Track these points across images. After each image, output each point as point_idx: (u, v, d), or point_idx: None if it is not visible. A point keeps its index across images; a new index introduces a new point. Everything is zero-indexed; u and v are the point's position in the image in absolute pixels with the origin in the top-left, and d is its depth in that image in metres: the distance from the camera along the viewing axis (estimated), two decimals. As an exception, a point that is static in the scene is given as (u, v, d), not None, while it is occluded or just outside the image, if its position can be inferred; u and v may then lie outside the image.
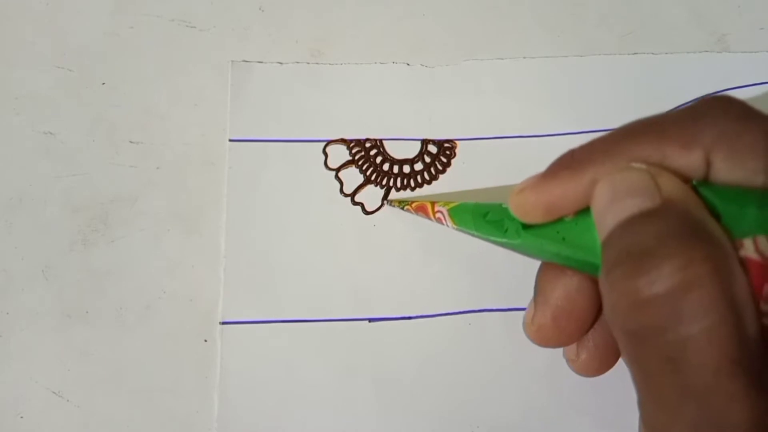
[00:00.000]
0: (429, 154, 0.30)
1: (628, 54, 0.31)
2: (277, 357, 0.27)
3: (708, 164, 0.17)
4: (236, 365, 0.27)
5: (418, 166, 0.30)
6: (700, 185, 0.17)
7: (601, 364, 0.22)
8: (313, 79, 0.31)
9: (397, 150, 0.30)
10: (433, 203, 0.27)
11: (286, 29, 0.32)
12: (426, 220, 0.29)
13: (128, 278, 0.28)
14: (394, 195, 0.29)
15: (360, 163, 0.30)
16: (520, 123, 0.30)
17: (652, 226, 0.16)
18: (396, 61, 0.31)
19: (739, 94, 0.30)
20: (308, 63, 0.31)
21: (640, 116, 0.30)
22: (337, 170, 0.30)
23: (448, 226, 0.25)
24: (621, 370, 0.27)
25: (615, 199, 0.17)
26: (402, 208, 0.28)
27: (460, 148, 0.30)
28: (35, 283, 0.28)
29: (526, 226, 0.20)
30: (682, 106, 0.18)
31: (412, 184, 0.29)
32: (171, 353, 0.27)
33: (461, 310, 0.28)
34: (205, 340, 0.28)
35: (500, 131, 0.30)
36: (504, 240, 0.22)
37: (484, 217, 0.23)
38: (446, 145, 0.30)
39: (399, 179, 0.30)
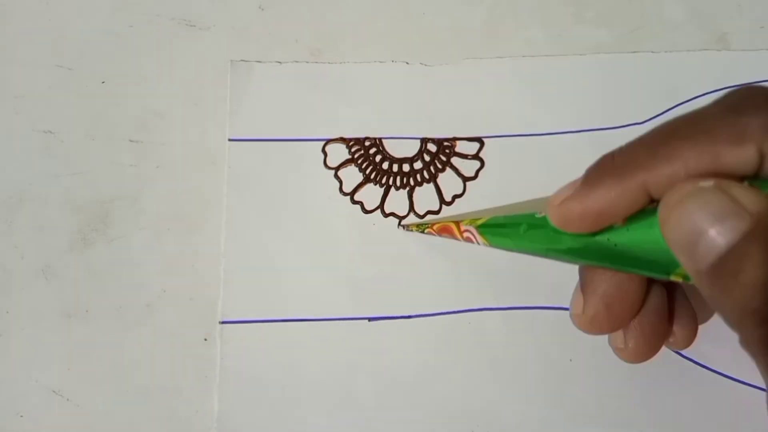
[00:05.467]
0: (428, 152, 0.30)
1: (628, 52, 0.31)
2: (277, 356, 0.27)
3: (762, 157, 0.16)
4: (236, 364, 0.27)
5: (418, 165, 0.30)
6: (753, 182, 0.16)
7: (649, 350, 0.22)
8: (313, 78, 0.31)
9: (397, 149, 0.30)
10: (457, 223, 0.26)
11: (285, 28, 0.32)
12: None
13: (128, 277, 0.28)
14: (406, 220, 0.29)
15: (359, 161, 0.30)
16: (520, 122, 0.30)
17: (759, 251, 0.15)
18: (395, 59, 0.31)
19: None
20: (308, 62, 0.31)
21: (640, 115, 0.30)
22: (337, 169, 0.30)
23: (479, 244, 0.24)
24: (619, 370, 0.27)
25: (701, 231, 0.16)
26: (422, 232, 0.28)
27: (460, 146, 0.30)
28: (35, 282, 0.28)
29: (570, 236, 0.20)
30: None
31: (412, 182, 0.29)
32: (171, 352, 0.27)
33: (461, 309, 0.28)
34: (205, 339, 0.28)
35: (500, 130, 0.30)
36: (548, 251, 0.21)
37: (519, 229, 0.22)
38: (446, 143, 0.30)
39: (398, 178, 0.30)
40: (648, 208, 0.18)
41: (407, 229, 0.28)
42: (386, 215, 0.29)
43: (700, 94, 0.30)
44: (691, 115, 0.18)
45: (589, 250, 0.19)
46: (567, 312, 0.28)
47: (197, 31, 0.31)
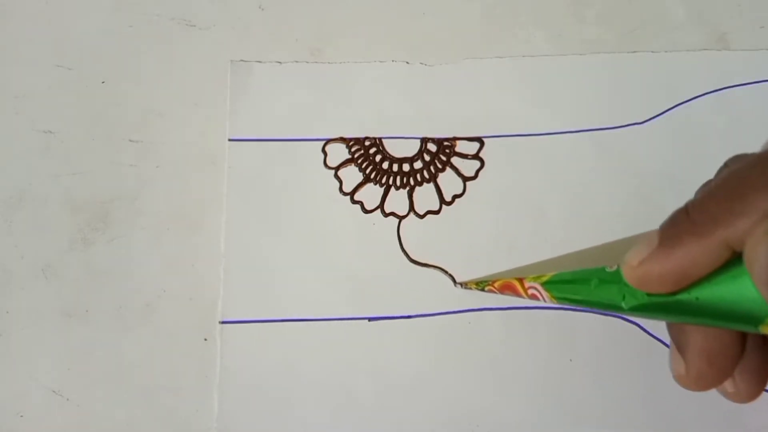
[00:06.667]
0: (428, 152, 0.30)
1: (628, 52, 0.31)
2: (277, 356, 0.27)
3: None
4: (236, 364, 0.27)
5: (418, 165, 0.30)
6: None
7: (759, 387, 0.21)
8: (313, 78, 0.31)
9: (397, 148, 0.30)
10: (521, 280, 0.25)
11: (285, 28, 0.32)
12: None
13: (128, 277, 0.28)
14: (463, 278, 0.28)
15: (359, 161, 0.30)
16: (520, 121, 0.30)
17: None
18: (395, 59, 0.31)
19: (740, 93, 0.31)
20: (308, 62, 0.31)
21: (640, 115, 0.30)
22: (337, 169, 0.30)
23: (545, 301, 0.23)
24: (619, 370, 0.27)
25: None
26: (482, 290, 0.27)
27: (460, 146, 0.30)
28: (35, 281, 0.28)
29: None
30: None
31: (412, 182, 0.29)
32: (171, 352, 0.27)
33: (461, 309, 0.28)
34: (205, 339, 0.28)
35: (500, 130, 0.30)
36: (622, 308, 0.20)
37: (589, 285, 0.21)
38: (446, 143, 0.30)
39: (398, 177, 0.30)
40: (731, 259, 0.17)
41: (465, 287, 0.28)
42: (386, 215, 0.29)
43: (700, 94, 0.30)
44: (761, 160, 0.17)
45: (668, 305, 0.18)
46: (567, 312, 0.28)
47: (197, 31, 0.32)
